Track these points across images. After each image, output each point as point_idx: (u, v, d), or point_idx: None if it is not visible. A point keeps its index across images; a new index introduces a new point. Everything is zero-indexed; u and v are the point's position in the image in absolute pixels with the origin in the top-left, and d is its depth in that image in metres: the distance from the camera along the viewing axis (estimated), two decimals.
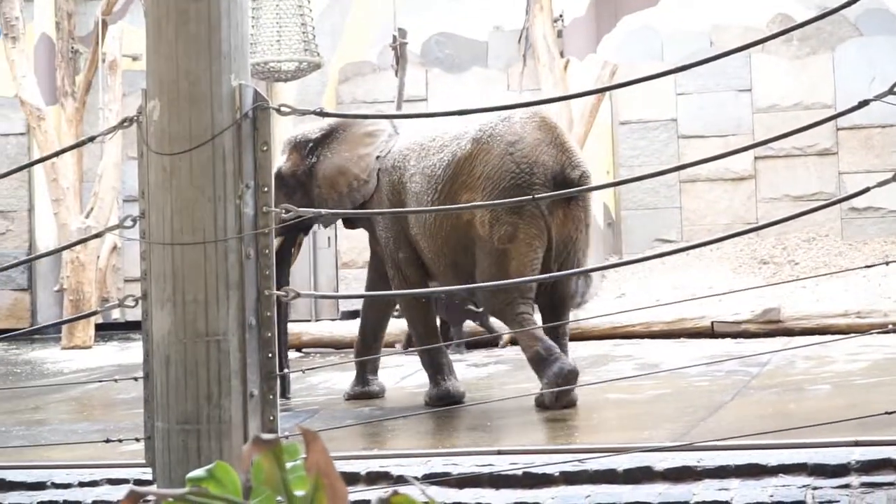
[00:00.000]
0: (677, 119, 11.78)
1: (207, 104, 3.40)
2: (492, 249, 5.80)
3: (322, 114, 4.00)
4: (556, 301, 6.01)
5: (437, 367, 6.35)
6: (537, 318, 6.12)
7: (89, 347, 10.93)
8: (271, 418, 3.42)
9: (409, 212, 6.13)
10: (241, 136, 3.42)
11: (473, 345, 8.83)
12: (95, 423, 6.49)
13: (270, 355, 3.44)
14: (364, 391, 6.69)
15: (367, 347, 6.76)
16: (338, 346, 9.46)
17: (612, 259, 11.53)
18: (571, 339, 8.64)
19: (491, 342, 8.81)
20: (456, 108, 4.21)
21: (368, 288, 7.01)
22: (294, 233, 6.69)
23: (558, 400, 5.65)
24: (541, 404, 5.75)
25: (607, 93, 11.23)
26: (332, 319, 10.80)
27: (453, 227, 5.97)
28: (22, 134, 13.06)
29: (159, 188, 3.42)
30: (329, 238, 11.42)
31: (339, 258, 11.72)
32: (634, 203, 11.86)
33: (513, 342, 8.11)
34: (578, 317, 7.13)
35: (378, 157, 6.41)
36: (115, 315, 11.94)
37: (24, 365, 9.90)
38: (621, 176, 11.48)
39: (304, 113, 3.81)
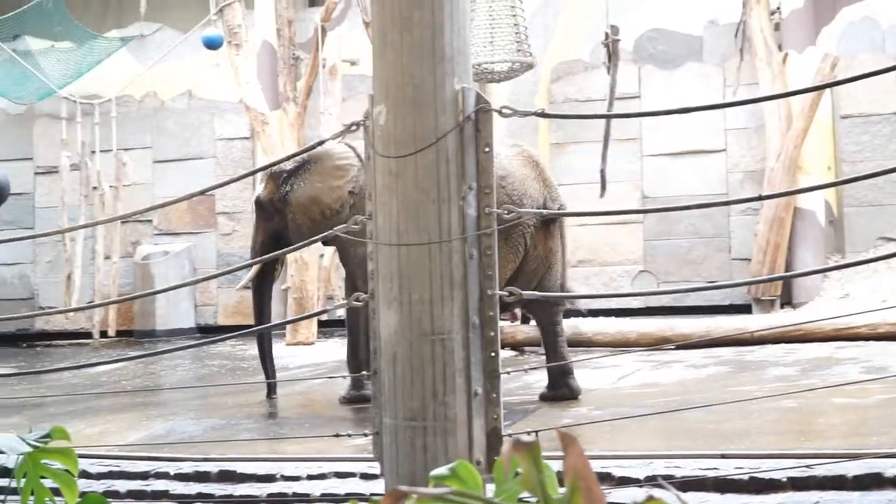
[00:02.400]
0: None
1: (431, 107, 3.46)
2: None
3: (543, 115, 4.01)
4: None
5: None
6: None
7: (312, 344, 11.31)
8: (495, 417, 3.46)
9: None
10: (463, 139, 3.48)
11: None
12: (320, 417, 6.70)
13: (493, 354, 3.48)
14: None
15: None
16: None
17: (834, 258, 11.12)
18: (793, 341, 8.50)
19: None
20: (672, 107, 4.14)
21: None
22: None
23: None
24: (543, 398, 6.57)
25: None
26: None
27: None
28: (246, 138, 13.62)
29: (386, 190, 3.51)
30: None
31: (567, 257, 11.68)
32: (857, 200, 11.40)
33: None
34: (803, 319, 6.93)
35: (351, 192, 6.90)
36: (339, 312, 12.31)
37: (250, 360, 10.31)
38: (844, 172, 11.07)
39: (525, 114, 3.83)
